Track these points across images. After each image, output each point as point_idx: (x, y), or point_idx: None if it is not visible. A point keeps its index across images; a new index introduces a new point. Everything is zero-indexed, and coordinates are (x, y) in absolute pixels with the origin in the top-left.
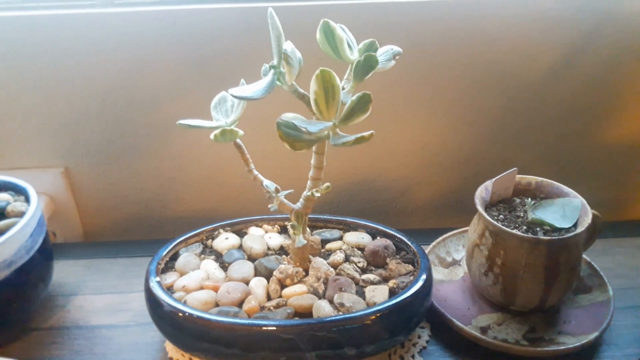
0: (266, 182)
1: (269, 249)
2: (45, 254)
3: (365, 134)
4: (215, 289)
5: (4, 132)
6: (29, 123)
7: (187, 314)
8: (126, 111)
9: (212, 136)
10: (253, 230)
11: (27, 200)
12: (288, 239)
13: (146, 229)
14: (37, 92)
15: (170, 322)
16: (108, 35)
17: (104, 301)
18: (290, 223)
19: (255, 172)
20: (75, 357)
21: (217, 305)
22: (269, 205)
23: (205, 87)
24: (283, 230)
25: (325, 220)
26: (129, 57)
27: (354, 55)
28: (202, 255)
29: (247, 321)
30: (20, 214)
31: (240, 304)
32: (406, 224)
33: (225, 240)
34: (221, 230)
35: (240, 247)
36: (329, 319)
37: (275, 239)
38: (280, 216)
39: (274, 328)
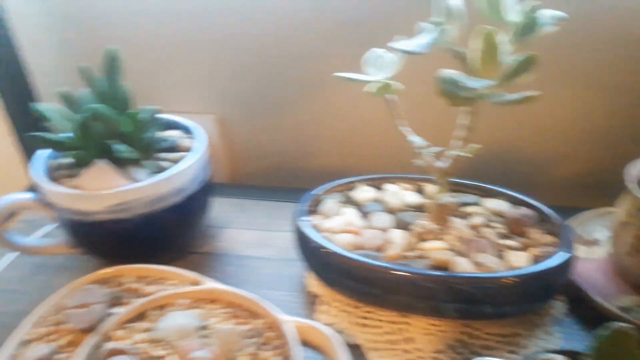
0: (414, 138)
1: (406, 205)
2: (208, 187)
3: (532, 93)
4: (357, 234)
5: (171, 80)
6: (191, 72)
7: (334, 252)
8: (278, 66)
9: (369, 89)
10: (390, 187)
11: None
12: (424, 198)
13: (284, 178)
14: (200, 45)
15: (317, 258)
16: None
17: (251, 236)
18: (436, 180)
19: (402, 128)
20: (226, 280)
21: (358, 248)
22: (415, 161)
23: (355, 47)
24: (418, 190)
25: (463, 185)
26: (288, 15)
27: (513, 16)
28: (344, 204)
29: (390, 265)
30: (189, 150)
31: (380, 250)
32: (541, 200)
33: (364, 193)
34: (358, 184)
35: (379, 200)
36: (469, 274)
37: (413, 197)
38: (416, 176)
39: (415, 275)
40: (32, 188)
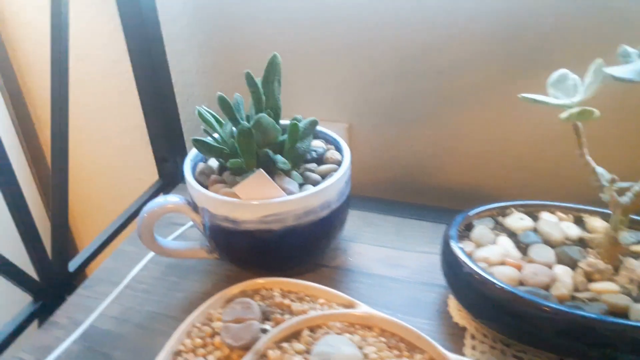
0: (600, 170)
1: (566, 238)
2: (348, 201)
3: None
4: (518, 267)
5: (307, 85)
6: (328, 79)
7: (496, 285)
8: (420, 78)
9: (565, 115)
10: (545, 215)
11: (338, 150)
12: (586, 231)
13: (405, 192)
14: (339, 52)
15: (471, 289)
16: (418, 5)
17: (380, 253)
18: (613, 215)
19: (588, 158)
20: (359, 299)
21: (520, 284)
22: (601, 195)
23: (508, 63)
24: (577, 221)
25: (637, 222)
26: (438, 27)
27: None
28: (495, 231)
29: (564, 307)
30: (337, 162)
31: (545, 288)
32: None
33: (519, 221)
34: (513, 209)
35: (535, 230)
36: None
37: (573, 229)
38: (574, 205)
39: (594, 320)
40: (164, 190)
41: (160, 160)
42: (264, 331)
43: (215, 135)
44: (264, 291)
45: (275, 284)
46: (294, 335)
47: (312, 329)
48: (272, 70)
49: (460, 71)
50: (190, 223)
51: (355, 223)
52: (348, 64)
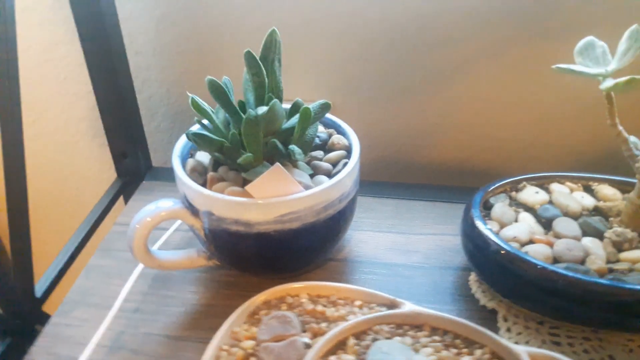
0: (633, 139)
1: (583, 208)
2: (357, 188)
3: None
4: (550, 244)
5: (284, 64)
6: (307, 55)
7: (537, 266)
8: (411, 52)
9: (608, 85)
10: (556, 187)
11: (340, 134)
12: (598, 200)
13: (392, 172)
14: (321, 24)
15: (506, 271)
16: None
17: (386, 239)
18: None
19: (620, 127)
20: (380, 290)
21: (555, 260)
22: (636, 165)
23: (501, 33)
24: (586, 190)
25: None
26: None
27: None
28: (513, 207)
29: (612, 282)
30: (344, 147)
31: (581, 263)
32: None
33: (535, 195)
34: (526, 183)
35: (550, 202)
36: None
37: (588, 199)
38: (582, 175)
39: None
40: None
41: (118, 156)
42: (308, 346)
43: (206, 124)
44: (290, 298)
45: (302, 289)
46: (339, 346)
47: (357, 336)
48: (272, 47)
49: (455, 42)
50: (174, 227)
51: None
52: (329, 38)
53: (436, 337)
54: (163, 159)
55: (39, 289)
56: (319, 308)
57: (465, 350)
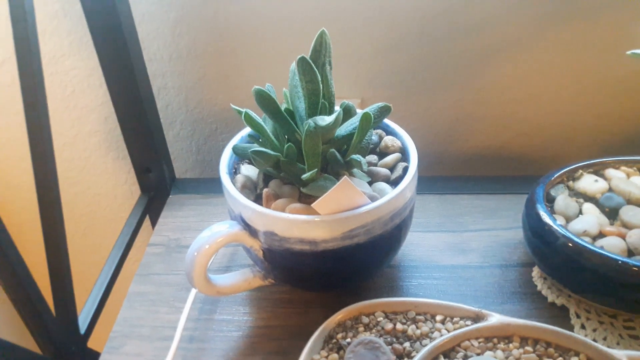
0: None
1: None
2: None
3: None
4: (622, 236)
5: None
6: (335, 50)
7: (619, 261)
8: (442, 41)
9: None
10: (612, 173)
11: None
12: None
13: (426, 164)
14: (349, 17)
15: (581, 268)
16: None
17: (436, 239)
18: None
19: None
20: (442, 297)
21: (630, 253)
22: None
23: (533, 17)
24: None
25: None
26: None
27: None
28: (574, 198)
29: None
30: (398, 149)
31: None
32: None
33: (594, 183)
34: (582, 172)
35: (610, 190)
36: None
37: None
38: (636, 158)
39: None
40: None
41: (141, 171)
42: None
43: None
44: (365, 318)
45: (377, 306)
46: None
47: (447, 354)
48: (322, 50)
49: (489, 28)
50: None
51: None
52: (356, 31)
53: (528, 348)
54: (183, 168)
55: (82, 324)
56: (399, 326)
57: (560, 358)
